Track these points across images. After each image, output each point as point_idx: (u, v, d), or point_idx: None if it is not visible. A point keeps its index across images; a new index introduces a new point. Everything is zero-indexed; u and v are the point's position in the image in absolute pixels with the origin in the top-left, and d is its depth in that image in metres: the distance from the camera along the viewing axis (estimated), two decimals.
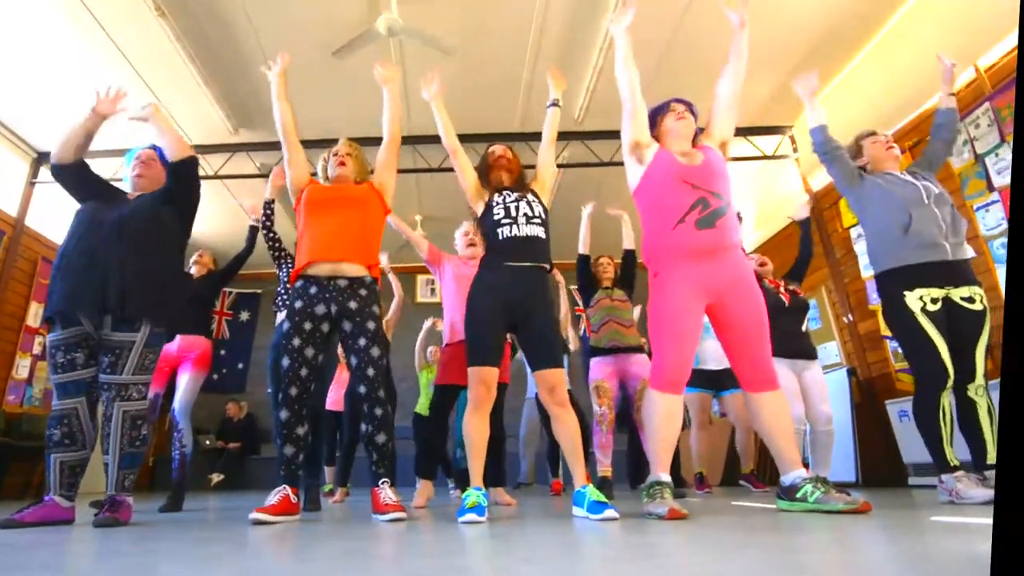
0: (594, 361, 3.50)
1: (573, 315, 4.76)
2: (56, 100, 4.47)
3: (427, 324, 4.57)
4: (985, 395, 2.13)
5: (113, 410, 2.01)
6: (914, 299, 2.19)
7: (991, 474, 2.03)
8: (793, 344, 3.31)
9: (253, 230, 3.45)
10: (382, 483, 2.13)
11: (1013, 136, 2.56)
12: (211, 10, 3.83)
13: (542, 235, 2.17)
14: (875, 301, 4.54)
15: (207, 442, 6.62)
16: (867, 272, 4.61)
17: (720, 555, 1.06)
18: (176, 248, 2.31)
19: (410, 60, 4.17)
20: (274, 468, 2.30)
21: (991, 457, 2.06)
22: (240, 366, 7.41)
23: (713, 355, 4.01)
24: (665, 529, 1.50)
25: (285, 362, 2.15)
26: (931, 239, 2.21)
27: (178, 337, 3.12)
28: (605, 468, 3.31)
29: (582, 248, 3.63)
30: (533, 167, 2.53)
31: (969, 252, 2.27)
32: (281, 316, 3.08)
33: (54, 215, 5.21)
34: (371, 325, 2.22)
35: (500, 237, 2.14)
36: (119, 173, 2.58)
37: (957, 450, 2.10)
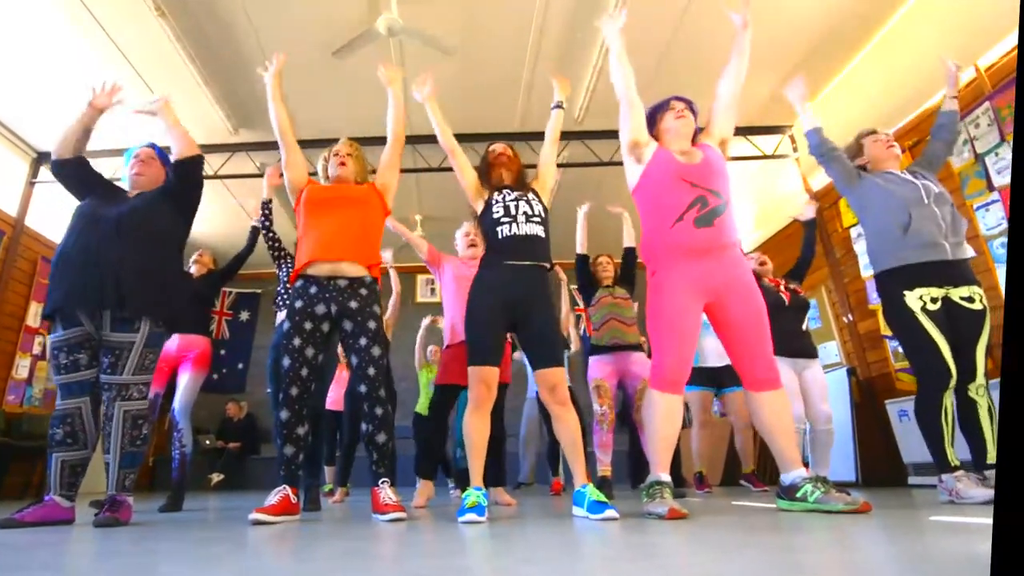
0: (594, 359, 3.50)
1: (573, 315, 4.76)
2: (56, 100, 4.47)
3: (425, 322, 4.58)
4: (986, 395, 2.13)
5: (114, 410, 2.01)
6: (914, 299, 2.19)
7: (991, 474, 2.03)
8: (794, 343, 3.31)
9: (255, 231, 3.45)
10: (382, 483, 2.13)
11: (1013, 136, 2.56)
12: (211, 10, 3.83)
13: (542, 234, 2.17)
14: (875, 301, 4.54)
15: (207, 442, 6.62)
16: (867, 272, 4.61)
17: (720, 555, 1.06)
18: (175, 246, 2.31)
19: (410, 60, 4.17)
20: (274, 468, 2.30)
21: (991, 457, 2.06)
22: (240, 366, 7.40)
23: (713, 352, 4.01)
24: (665, 529, 1.50)
25: (286, 362, 2.15)
26: (931, 238, 2.21)
27: (177, 336, 3.12)
28: (605, 467, 3.31)
29: (580, 248, 3.64)
30: (533, 167, 2.53)
31: (969, 252, 2.27)
32: (281, 316, 3.08)
33: (54, 215, 5.21)
34: (372, 325, 2.22)
35: (500, 236, 2.14)
36: (119, 173, 2.58)
37: (957, 450, 2.10)
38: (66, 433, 2.02)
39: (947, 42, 3.79)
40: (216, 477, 6.32)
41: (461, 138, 4.95)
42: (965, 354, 2.14)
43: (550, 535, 1.49)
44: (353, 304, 2.22)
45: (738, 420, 4.01)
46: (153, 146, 2.47)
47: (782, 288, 3.53)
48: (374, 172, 2.65)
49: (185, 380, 3.10)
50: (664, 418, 1.94)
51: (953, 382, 2.10)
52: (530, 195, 2.23)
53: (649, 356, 2.26)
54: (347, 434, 4.15)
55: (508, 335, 2.41)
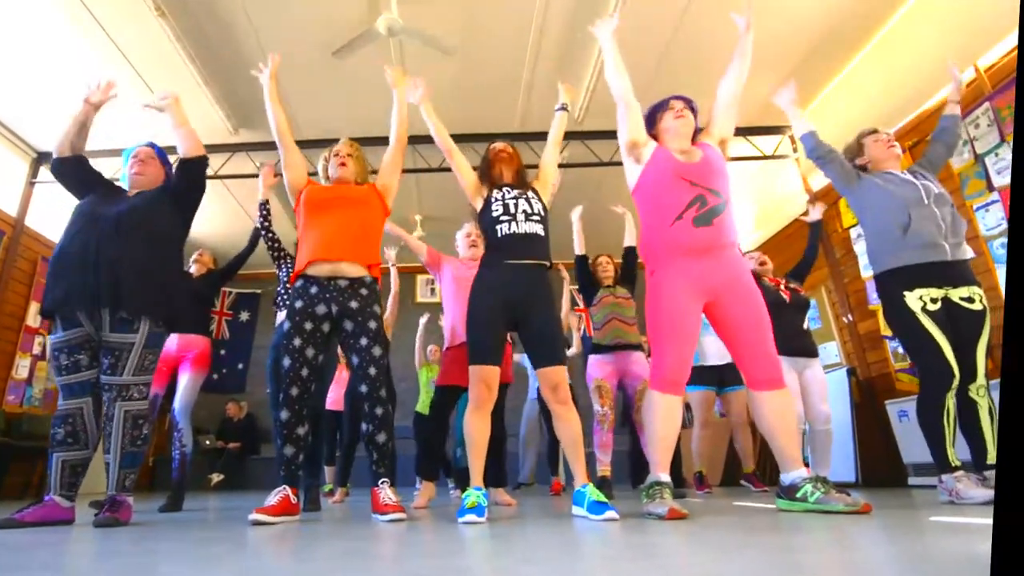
0: (594, 359, 3.50)
1: (575, 316, 4.77)
2: (56, 100, 4.47)
3: (423, 320, 4.61)
4: (986, 395, 2.13)
5: (115, 410, 2.01)
6: (914, 299, 2.19)
7: (991, 474, 2.03)
8: (794, 342, 3.31)
9: (256, 232, 3.43)
10: (382, 483, 2.13)
11: (1013, 136, 2.56)
12: (211, 10, 3.83)
13: (541, 232, 2.17)
14: (875, 301, 4.55)
15: (207, 442, 6.62)
16: (867, 272, 4.61)
17: (720, 555, 1.06)
18: (175, 246, 2.31)
19: (410, 60, 4.17)
20: (274, 468, 2.30)
21: (991, 457, 2.06)
22: (240, 366, 7.40)
23: (714, 351, 4.01)
24: (665, 529, 1.50)
25: (286, 362, 2.15)
26: (931, 239, 2.21)
27: (177, 336, 3.12)
28: (605, 468, 3.32)
29: (578, 249, 3.65)
30: (532, 167, 2.53)
31: (968, 253, 2.27)
32: (281, 316, 3.08)
33: (54, 215, 5.21)
34: (372, 324, 2.22)
35: (499, 234, 2.14)
36: (119, 174, 2.58)
37: (957, 450, 2.10)
38: (67, 433, 2.02)
39: (947, 42, 3.79)
40: (216, 477, 6.32)
41: (461, 138, 4.97)
42: (965, 354, 2.14)
43: (550, 535, 1.49)
44: (354, 304, 2.22)
45: (737, 419, 4.01)
46: (152, 145, 2.47)
47: (782, 287, 3.53)
48: (374, 173, 2.65)
49: (185, 380, 3.10)
50: (664, 418, 1.94)
51: (956, 382, 2.10)
52: (530, 193, 2.23)
53: (649, 356, 2.26)
54: (347, 434, 4.16)
55: (508, 335, 2.41)
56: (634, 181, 2.17)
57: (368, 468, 2.19)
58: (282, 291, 3.19)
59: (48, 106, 4.58)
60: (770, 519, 1.69)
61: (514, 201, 2.17)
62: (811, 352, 3.45)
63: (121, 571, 1.04)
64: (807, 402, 3.33)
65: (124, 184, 2.41)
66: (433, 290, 7.87)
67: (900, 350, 4.35)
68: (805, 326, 3.55)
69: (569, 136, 5.08)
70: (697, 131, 2.22)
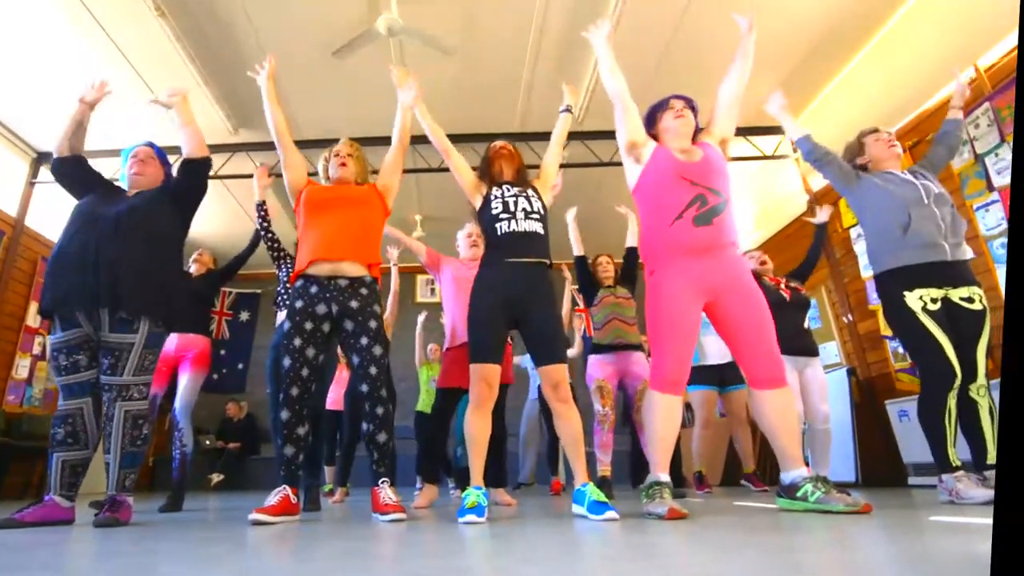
0: (595, 358, 3.50)
1: (573, 315, 4.77)
2: (56, 100, 4.47)
3: (420, 319, 4.63)
4: (987, 395, 2.13)
5: (115, 410, 2.01)
6: (914, 299, 2.19)
7: (991, 474, 2.03)
8: (795, 341, 3.31)
9: (258, 234, 3.42)
10: (382, 483, 2.13)
11: (1013, 136, 2.57)
12: (211, 10, 3.83)
13: (541, 231, 2.17)
14: (875, 301, 4.55)
15: (207, 442, 6.62)
16: (867, 272, 4.61)
17: (720, 555, 1.06)
18: (175, 246, 2.31)
19: (410, 60, 4.17)
20: (274, 468, 2.30)
21: (991, 457, 2.06)
22: (240, 366, 7.39)
23: (714, 351, 4.01)
24: (665, 529, 1.50)
25: (286, 362, 2.15)
26: (930, 239, 2.21)
27: (176, 336, 3.12)
28: (605, 468, 3.32)
29: (577, 250, 3.66)
30: (532, 167, 2.52)
31: (968, 253, 2.27)
32: (281, 316, 3.08)
33: (54, 215, 5.21)
34: (373, 324, 2.23)
35: (499, 232, 2.14)
36: (118, 174, 2.58)
37: (957, 450, 2.10)
38: (67, 433, 2.02)
39: (947, 42, 3.79)
40: (216, 477, 6.33)
41: (461, 138, 4.98)
42: (966, 354, 2.14)
43: (550, 535, 1.49)
44: (354, 304, 2.22)
45: (736, 419, 4.02)
46: (151, 145, 2.47)
47: (782, 286, 3.53)
48: (375, 172, 2.65)
49: (185, 380, 3.10)
50: (663, 418, 1.94)
51: (958, 382, 2.10)
52: (530, 191, 2.23)
53: (649, 356, 2.26)
54: (347, 434, 4.16)
55: (509, 336, 2.41)
56: (634, 181, 2.17)
57: (368, 468, 2.19)
58: (282, 291, 3.19)
59: (48, 106, 4.58)
60: (770, 519, 1.69)
61: (514, 199, 2.17)
62: (812, 351, 3.45)
63: (121, 571, 1.04)
64: (807, 401, 3.33)
65: (123, 184, 2.41)
66: (433, 290, 7.87)
67: (900, 350, 4.35)
68: (806, 325, 3.55)
69: (569, 136, 5.02)
70: (698, 131, 2.23)
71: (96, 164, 2.47)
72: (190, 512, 2.81)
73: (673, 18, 3.99)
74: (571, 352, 4.42)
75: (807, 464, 1.99)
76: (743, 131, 5.05)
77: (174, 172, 2.48)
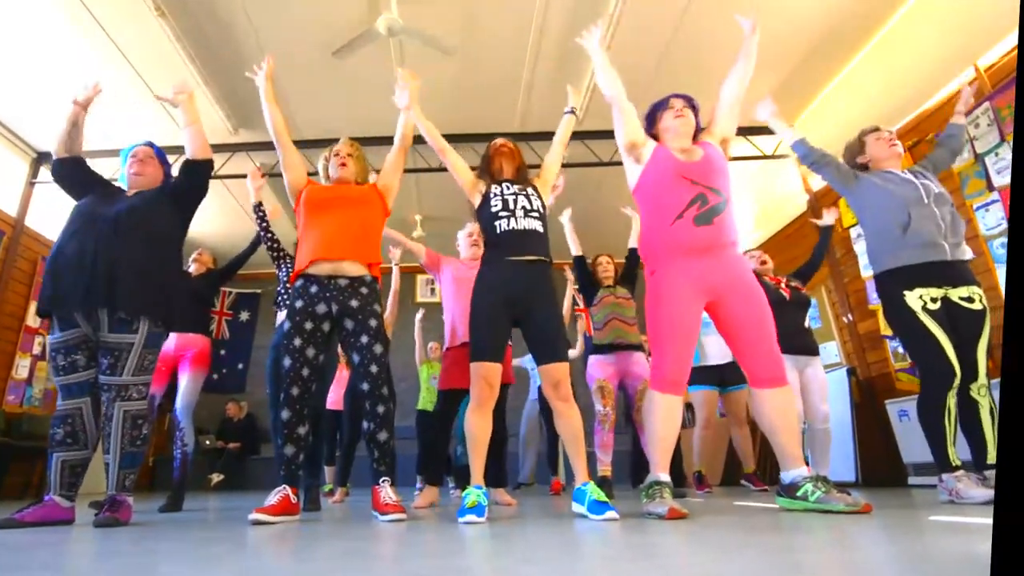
0: (595, 359, 3.50)
1: (573, 315, 4.77)
2: (56, 100, 4.47)
3: (418, 317, 4.64)
4: (987, 395, 2.13)
5: (114, 410, 2.01)
6: (914, 298, 2.19)
7: (991, 474, 2.03)
8: (795, 340, 3.31)
9: (259, 236, 3.41)
10: (383, 482, 2.13)
11: (1013, 136, 2.57)
12: (211, 10, 3.83)
13: (540, 229, 2.16)
14: (875, 301, 4.55)
15: (207, 442, 6.62)
16: (867, 272, 4.61)
17: (720, 555, 1.06)
18: (174, 246, 2.31)
19: (410, 60, 4.17)
20: (274, 468, 2.30)
21: (991, 457, 2.06)
22: (240, 366, 7.39)
23: (715, 351, 4.01)
24: (665, 529, 1.50)
25: (287, 362, 2.15)
26: (930, 238, 2.21)
27: (175, 336, 3.12)
28: (605, 468, 3.32)
29: (575, 251, 3.67)
30: (532, 167, 2.52)
31: (968, 253, 2.27)
32: (281, 316, 3.08)
33: (54, 215, 5.21)
34: (373, 322, 2.23)
35: (498, 230, 2.13)
36: (117, 174, 2.58)
37: (957, 450, 2.10)
38: (66, 433, 2.02)
39: (947, 42, 3.79)
40: (216, 477, 6.33)
41: (461, 138, 4.97)
42: (966, 354, 2.14)
43: (550, 535, 1.49)
44: (354, 303, 2.22)
45: (735, 419, 4.02)
46: (151, 145, 2.47)
47: (782, 285, 3.53)
48: (376, 172, 2.65)
49: (185, 380, 3.10)
50: (664, 418, 1.94)
51: (957, 381, 2.10)
52: (529, 190, 2.23)
53: (649, 356, 2.26)
54: (347, 434, 4.16)
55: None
56: (634, 181, 2.17)
57: (369, 467, 2.19)
58: (282, 291, 3.19)
59: (48, 106, 4.58)
60: (770, 519, 1.68)
61: (513, 197, 2.17)
62: (812, 350, 3.45)
63: (121, 571, 1.04)
64: (807, 401, 3.33)
65: (123, 184, 2.41)
66: (433, 290, 7.87)
67: (900, 350, 4.35)
68: (806, 324, 3.55)
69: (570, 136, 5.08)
70: (699, 130, 2.23)
71: (96, 164, 2.47)
72: (190, 512, 2.81)
73: (673, 18, 3.99)
74: (572, 353, 4.42)
75: (807, 464, 1.99)
76: (743, 131, 5.05)
77: (174, 172, 2.48)
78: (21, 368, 5.28)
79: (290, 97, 4.61)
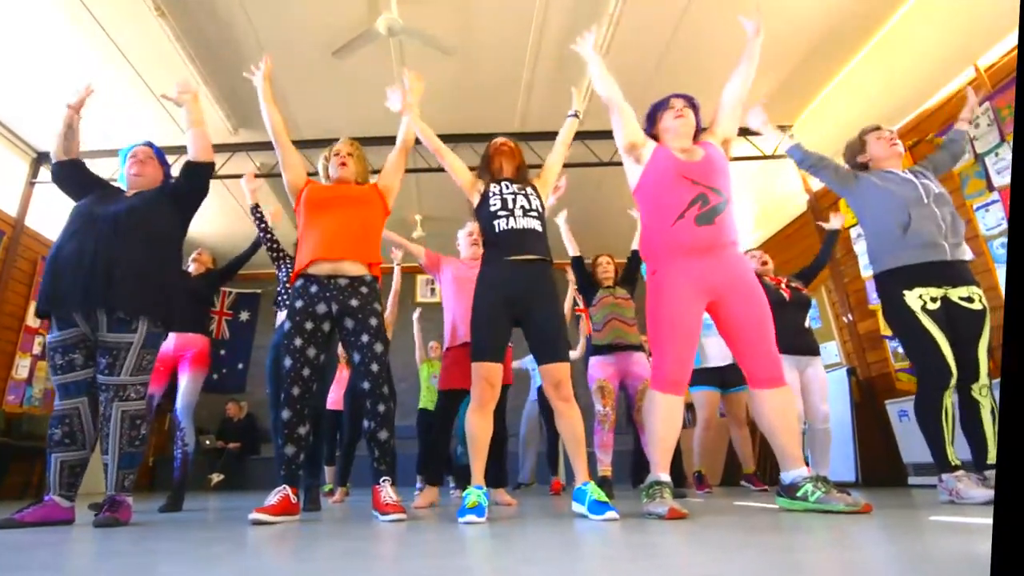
0: (595, 359, 3.50)
1: (573, 315, 4.78)
2: (56, 100, 4.46)
3: (415, 316, 4.65)
4: (989, 395, 2.13)
5: (112, 410, 2.01)
6: (914, 298, 2.19)
7: (991, 474, 2.03)
8: (795, 340, 3.31)
9: (260, 238, 3.40)
10: (383, 481, 2.13)
11: (1013, 136, 2.58)
12: (211, 10, 3.83)
13: (539, 228, 2.16)
14: (875, 301, 4.55)
15: (207, 442, 6.62)
16: (867, 272, 4.61)
17: (720, 555, 1.06)
18: (174, 246, 2.31)
19: (410, 60, 4.17)
20: (274, 468, 2.30)
21: (992, 457, 2.06)
22: (240, 366, 7.40)
23: (715, 353, 4.01)
24: (665, 529, 1.50)
25: (287, 362, 2.15)
26: (931, 238, 2.21)
27: (174, 336, 3.12)
28: (605, 468, 3.31)
29: (573, 252, 3.67)
30: (532, 167, 2.52)
31: (968, 254, 2.27)
32: (281, 316, 3.08)
33: (54, 215, 5.21)
34: (373, 321, 2.23)
35: (497, 230, 2.13)
36: (116, 174, 2.58)
37: (957, 449, 2.10)
38: (64, 433, 2.02)
39: (947, 42, 3.79)
40: (216, 477, 6.33)
41: (461, 138, 4.97)
42: (966, 354, 2.14)
43: (550, 535, 1.49)
44: (354, 302, 2.22)
45: (735, 420, 4.02)
46: (150, 145, 2.47)
47: (783, 286, 3.53)
48: (375, 172, 2.65)
49: (185, 380, 3.09)
50: (664, 419, 1.94)
51: (953, 381, 2.10)
52: (529, 189, 2.23)
53: (650, 356, 2.26)
54: (347, 433, 4.16)
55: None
56: (635, 181, 2.17)
57: (369, 468, 2.19)
58: (282, 291, 3.19)
59: (48, 106, 4.57)
60: (770, 519, 1.68)
61: (512, 196, 2.17)
62: (813, 350, 3.45)
63: (121, 571, 1.04)
64: (807, 401, 3.33)
65: (122, 184, 2.41)
66: (433, 290, 7.87)
67: (900, 350, 4.35)
68: (807, 324, 3.55)
69: None
70: (701, 130, 2.23)
71: (96, 164, 2.47)
72: (190, 512, 2.81)
73: (673, 18, 3.99)
74: (573, 354, 4.42)
75: (807, 464, 1.99)
76: (743, 131, 5.03)
77: (174, 172, 2.48)
78: (21, 368, 5.29)
79: (290, 97, 4.61)
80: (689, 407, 4.28)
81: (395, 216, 3.21)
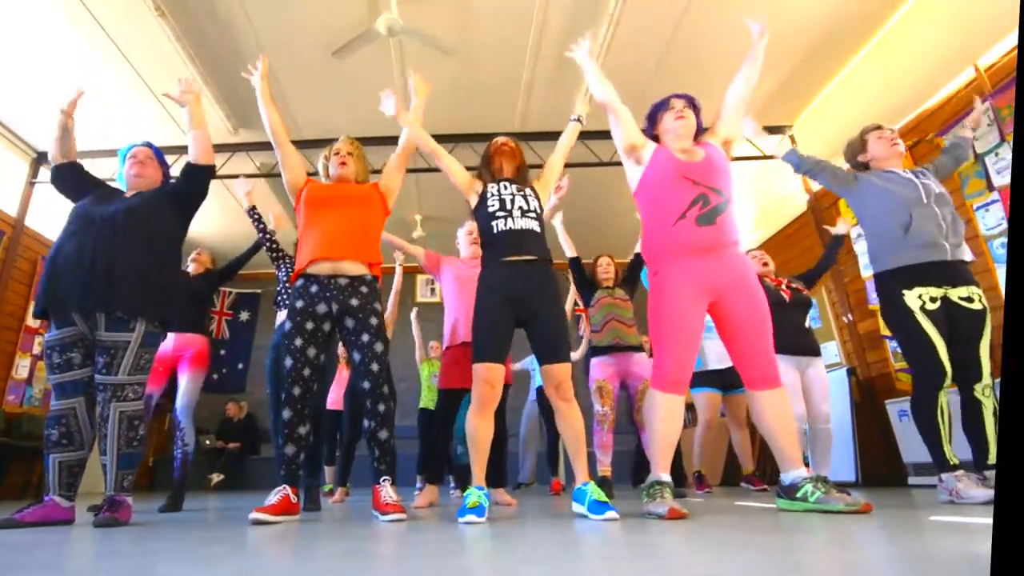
0: (595, 360, 3.50)
1: (573, 315, 4.78)
2: (56, 100, 4.46)
3: (413, 315, 4.65)
4: (992, 395, 2.13)
5: (109, 411, 2.01)
6: (913, 298, 2.19)
7: (991, 474, 2.03)
8: (796, 340, 3.31)
9: (260, 240, 3.40)
10: (383, 481, 2.13)
11: (1013, 136, 2.57)
12: (211, 10, 3.83)
13: (537, 229, 2.16)
14: (875, 301, 4.54)
15: (207, 442, 6.62)
16: (867, 272, 4.61)
17: (720, 555, 1.06)
18: (173, 247, 2.31)
19: (410, 60, 4.17)
20: (274, 468, 2.30)
21: (992, 457, 2.06)
22: (240, 366, 7.40)
23: (715, 355, 4.01)
24: (665, 529, 1.49)
25: (288, 362, 2.15)
26: (931, 239, 2.21)
27: (173, 336, 3.12)
28: (605, 468, 3.31)
29: (570, 252, 3.67)
30: (532, 167, 2.53)
31: (968, 254, 2.27)
32: (281, 316, 3.08)
33: (54, 215, 5.21)
34: (374, 321, 2.23)
35: (495, 230, 2.13)
36: (115, 175, 2.58)
37: (957, 449, 2.10)
38: (61, 434, 2.02)
39: (947, 42, 3.79)
40: (216, 477, 6.33)
41: (461, 138, 4.97)
42: (967, 354, 2.15)
43: (550, 535, 1.49)
44: (354, 302, 2.22)
45: (735, 421, 4.02)
46: (150, 145, 2.46)
47: (783, 286, 3.53)
48: (375, 172, 2.65)
49: (185, 380, 3.09)
50: (665, 418, 1.94)
51: (947, 381, 2.11)
52: (527, 190, 2.23)
53: (650, 357, 2.26)
54: (347, 433, 4.16)
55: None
56: (635, 182, 2.17)
57: (369, 466, 2.19)
58: (282, 291, 3.19)
59: (48, 106, 4.57)
60: (770, 519, 1.68)
61: (511, 197, 2.17)
62: (813, 351, 3.45)
63: (121, 571, 1.04)
64: (809, 401, 3.32)
65: (120, 184, 2.41)
66: (433, 290, 7.88)
67: (899, 349, 4.35)
68: (807, 325, 3.55)
69: None
70: (702, 131, 2.23)
71: (96, 164, 2.47)
72: (190, 512, 2.81)
73: (673, 18, 3.99)
74: (574, 355, 4.42)
75: (807, 464, 1.98)
76: None
77: (173, 173, 2.47)
78: (21, 368, 5.29)
79: (290, 97, 4.61)
80: (689, 407, 4.28)
81: (395, 216, 3.21)
